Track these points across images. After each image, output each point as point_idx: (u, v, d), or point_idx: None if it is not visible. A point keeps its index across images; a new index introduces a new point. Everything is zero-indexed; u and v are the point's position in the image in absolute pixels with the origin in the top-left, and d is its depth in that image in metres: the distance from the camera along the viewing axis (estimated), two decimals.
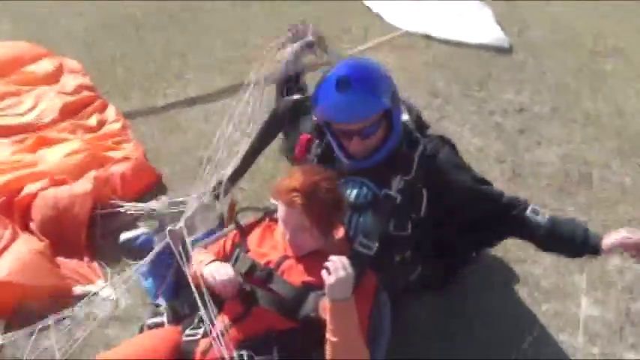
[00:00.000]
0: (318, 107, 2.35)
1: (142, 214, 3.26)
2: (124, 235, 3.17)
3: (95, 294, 2.75)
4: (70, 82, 4.30)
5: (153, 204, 3.25)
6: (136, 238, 3.15)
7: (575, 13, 5.72)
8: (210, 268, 2.14)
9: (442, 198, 2.35)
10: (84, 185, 3.30)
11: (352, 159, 2.39)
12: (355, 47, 4.90)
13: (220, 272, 2.11)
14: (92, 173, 3.41)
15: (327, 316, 1.96)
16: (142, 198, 3.38)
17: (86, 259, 3.10)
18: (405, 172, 2.33)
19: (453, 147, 2.51)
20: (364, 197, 2.37)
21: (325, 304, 1.96)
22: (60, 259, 3.07)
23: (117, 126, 3.97)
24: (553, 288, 2.90)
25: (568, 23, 5.54)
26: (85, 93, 4.22)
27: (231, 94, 3.93)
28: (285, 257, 2.19)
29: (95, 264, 3.08)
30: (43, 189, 3.26)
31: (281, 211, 2.15)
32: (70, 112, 4.03)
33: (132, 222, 3.23)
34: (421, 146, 2.40)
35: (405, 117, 2.51)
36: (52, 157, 3.57)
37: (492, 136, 4.00)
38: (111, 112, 4.09)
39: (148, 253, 2.52)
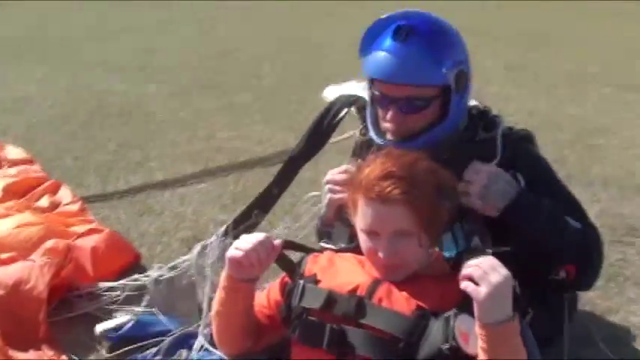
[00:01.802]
0: (365, 52, 1.82)
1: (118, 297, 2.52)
2: (102, 326, 2.36)
3: None
4: (12, 168, 3.61)
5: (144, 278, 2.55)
6: (119, 327, 2.34)
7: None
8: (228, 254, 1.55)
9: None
10: (41, 260, 2.50)
11: (383, 137, 1.85)
12: None
13: (242, 241, 1.54)
14: (50, 243, 2.63)
15: (471, 347, 1.34)
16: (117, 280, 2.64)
17: (49, 351, 2.25)
18: (488, 156, 1.78)
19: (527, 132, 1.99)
20: None
21: (463, 328, 1.36)
22: (14, 354, 2.24)
23: (74, 207, 3.23)
24: None
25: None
26: (33, 175, 3.50)
27: (209, 178, 3.65)
28: (378, 281, 1.53)
29: (64, 358, 2.24)
30: None
31: (367, 216, 1.51)
32: (14, 192, 3.28)
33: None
34: (502, 125, 1.87)
35: (473, 102, 1.99)
36: None
37: None
38: (65, 194, 3.35)
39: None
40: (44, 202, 3.25)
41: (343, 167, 1.88)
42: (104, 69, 6.47)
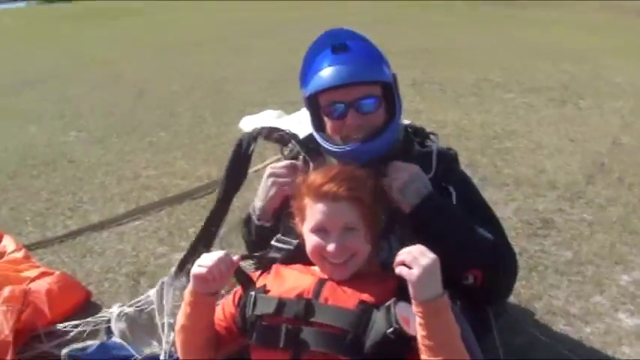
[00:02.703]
0: (308, 79, 1.98)
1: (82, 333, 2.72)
2: (69, 348, 2.59)
3: None
4: None
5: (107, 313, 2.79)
6: (85, 348, 2.58)
7: None
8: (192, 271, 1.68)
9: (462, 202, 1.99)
10: (2, 307, 2.69)
11: (344, 146, 1.94)
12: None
13: (205, 259, 1.67)
14: (7, 290, 2.80)
15: (412, 328, 1.48)
16: (72, 318, 2.83)
17: None
18: (425, 169, 1.93)
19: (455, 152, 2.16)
20: None
21: (404, 313, 1.50)
22: None
23: (19, 255, 3.38)
24: (583, 313, 2.75)
25: None
26: None
27: (143, 215, 3.84)
28: (323, 281, 1.67)
29: None
30: None
31: (317, 214, 1.66)
32: None
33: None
34: (436, 141, 2.07)
35: (406, 121, 2.24)
36: None
37: None
38: (9, 242, 3.47)
39: None
40: None
41: (286, 162, 2.04)
42: (24, 121, 6.52)
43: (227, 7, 17.33)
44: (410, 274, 1.47)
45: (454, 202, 1.97)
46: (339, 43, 1.95)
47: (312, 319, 1.58)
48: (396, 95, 2.00)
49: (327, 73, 1.93)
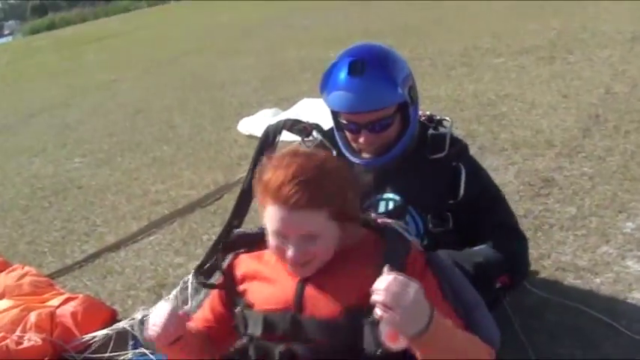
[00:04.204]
0: (325, 95, 2.06)
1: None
2: None
3: None
4: None
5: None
6: None
7: None
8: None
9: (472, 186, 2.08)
10: (32, 337, 2.82)
11: (358, 156, 2.10)
12: None
13: (155, 317, 1.60)
14: (33, 316, 2.92)
15: (402, 342, 1.36)
16: None
17: None
18: (438, 149, 2.06)
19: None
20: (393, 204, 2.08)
21: (390, 328, 1.35)
22: None
23: (42, 283, 3.50)
24: (591, 265, 2.78)
25: None
26: None
27: (157, 229, 3.93)
28: (303, 283, 1.59)
29: None
30: None
31: (275, 220, 1.53)
32: None
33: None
34: (450, 125, 2.16)
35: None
36: None
37: None
38: (30, 274, 3.60)
39: None
40: (9, 280, 3.41)
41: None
42: (26, 155, 6.64)
43: (205, 13, 17.35)
44: (392, 319, 1.31)
45: (462, 183, 2.06)
46: (356, 61, 1.97)
47: (302, 335, 1.54)
48: (411, 107, 2.05)
49: (340, 97, 1.99)
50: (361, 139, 2.03)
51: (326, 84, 2.06)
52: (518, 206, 3.26)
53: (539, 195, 3.48)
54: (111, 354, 2.74)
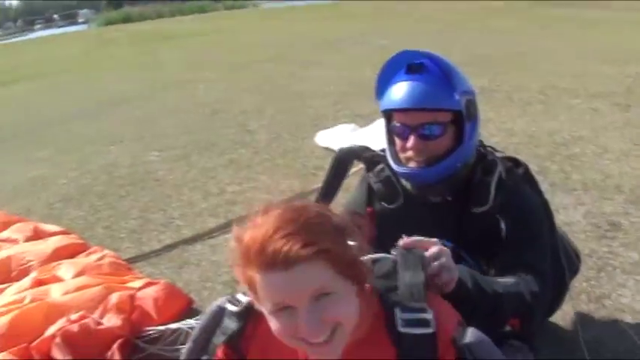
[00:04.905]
0: (382, 93, 1.98)
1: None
2: None
3: None
4: (51, 241, 3.86)
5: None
6: None
7: None
8: None
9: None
10: (111, 318, 2.87)
11: (403, 166, 1.97)
12: None
13: None
14: (115, 298, 2.98)
15: None
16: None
17: None
18: (482, 201, 1.94)
19: (526, 170, 2.14)
20: None
21: None
22: None
23: (121, 266, 3.56)
24: None
25: None
26: (73, 241, 3.82)
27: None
28: None
29: None
30: (61, 329, 2.77)
31: (272, 290, 1.19)
32: (59, 257, 3.59)
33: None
34: (499, 170, 1.98)
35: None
36: (58, 293, 3.09)
37: None
38: (109, 256, 3.66)
39: None
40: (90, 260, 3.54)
41: None
42: (104, 143, 6.78)
43: (281, 21, 17.55)
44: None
45: (503, 232, 1.94)
46: (414, 63, 1.92)
47: None
48: (467, 124, 1.93)
49: (396, 94, 1.93)
50: (409, 144, 1.92)
51: (381, 87, 2.00)
52: (584, 245, 3.31)
53: (604, 237, 3.50)
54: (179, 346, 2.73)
